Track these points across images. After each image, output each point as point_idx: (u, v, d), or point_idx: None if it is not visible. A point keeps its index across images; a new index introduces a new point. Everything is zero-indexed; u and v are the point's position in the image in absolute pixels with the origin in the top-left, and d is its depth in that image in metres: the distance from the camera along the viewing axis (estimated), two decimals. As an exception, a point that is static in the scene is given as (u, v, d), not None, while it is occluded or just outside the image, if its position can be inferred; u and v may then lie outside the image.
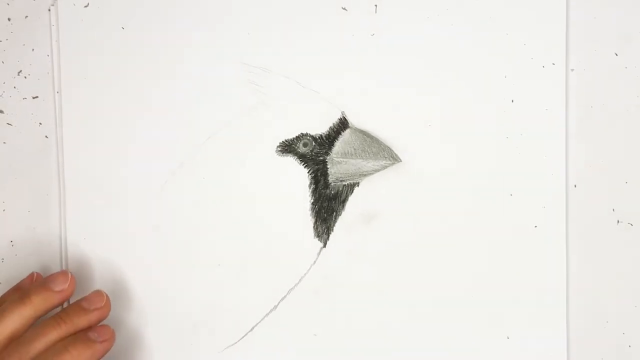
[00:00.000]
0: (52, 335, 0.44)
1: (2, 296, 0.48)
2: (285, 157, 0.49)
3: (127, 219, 0.50)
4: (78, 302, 0.47)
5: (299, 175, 0.49)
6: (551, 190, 0.48)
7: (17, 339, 0.44)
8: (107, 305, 0.47)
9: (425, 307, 0.49)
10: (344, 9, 0.49)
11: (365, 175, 0.49)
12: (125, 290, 0.50)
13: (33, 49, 0.51)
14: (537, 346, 0.48)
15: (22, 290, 0.46)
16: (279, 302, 0.49)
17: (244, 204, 0.50)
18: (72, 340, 0.44)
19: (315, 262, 0.49)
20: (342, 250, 0.49)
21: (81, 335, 0.45)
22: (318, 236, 0.49)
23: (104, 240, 0.50)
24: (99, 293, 0.48)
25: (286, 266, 0.49)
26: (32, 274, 0.49)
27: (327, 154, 0.49)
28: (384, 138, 0.48)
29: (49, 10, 0.51)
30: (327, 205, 0.49)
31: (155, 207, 0.50)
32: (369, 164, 0.48)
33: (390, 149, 0.48)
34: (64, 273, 0.47)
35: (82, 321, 0.46)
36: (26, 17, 0.51)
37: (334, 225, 0.49)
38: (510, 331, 0.48)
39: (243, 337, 0.50)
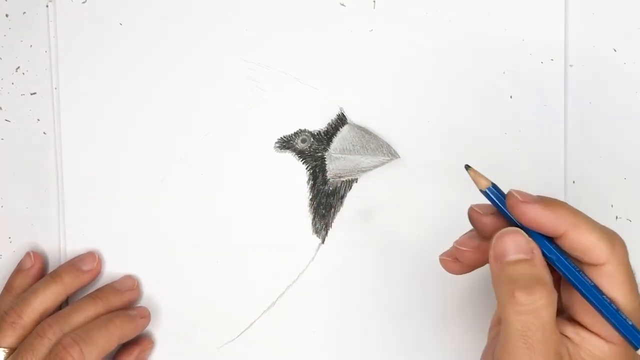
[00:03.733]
0: (90, 310, 0.47)
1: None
2: (284, 153, 0.49)
3: (125, 215, 0.50)
4: (111, 284, 0.49)
5: (297, 172, 0.49)
6: (550, 186, 0.48)
7: (55, 314, 0.46)
8: (138, 288, 0.50)
9: (424, 304, 0.49)
10: (343, 5, 0.49)
11: (363, 171, 0.48)
12: (123, 286, 0.50)
13: (31, 45, 0.51)
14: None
15: (53, 271, 0.49)
16: (278, 299, 0.49)
17: (242, 200, 0.50)
18: (116, 314, 0.47)
19: (313, 258, 0.49)
20: (341, 247, 0.49)
21: (122, 312, 0.48)
22: (316, 232, 0.49)
23: (103, 236, 0.50)
24: (129, 277, 0.50)
25: (284, 263, 0.49)
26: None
27: (325, 150, 0.49)
28: (382, 134, 0.48)
29: (47, 6, 0.51)
30: (325, 201, 0.49)
31: (154, 204, 0.50)
32: (367, 160, 0.48)
33: (388, 145, 0.48)
34: (91, 253, 0.50)
35: (116, 300, 0.48)
36: (24, 13, 0.51)
37: (332, 221, 0.49)
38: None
39: (241, 333, 0.50)
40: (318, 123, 0.49)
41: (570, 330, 0.34)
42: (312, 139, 0.49)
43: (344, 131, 0.49)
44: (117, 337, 0.46)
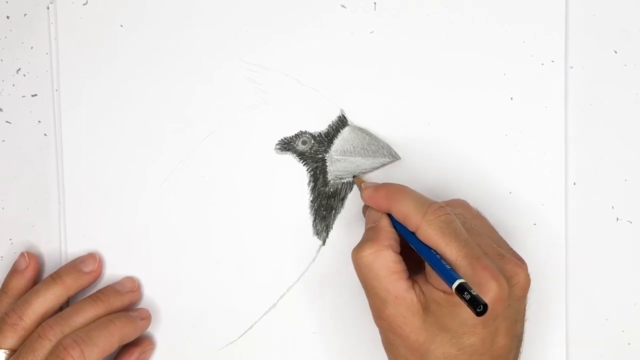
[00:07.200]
0: (90, 312, 0.47)
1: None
2: (284, 155, 0.49)
3: (126, 216, 0.50)
4: (112, 285, 0.49)
5: (298, 173, 0.49)
6: (550, 187, 0.48)
7: (55, 315, 0.46)
8: (139, 290, 0.50)
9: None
10: (343, 6, 0.49)
11: (364, 172, 0.48)
12: (124, 288, 0.50)
13: (32, 47, 0.51)
14: (537, 344, 0.48)
15: (54, 272, 0.49)
16: (278, 300, 0.49)
17: (243, 201, 0.50)
18: (116, 315, 0.47)
19: (314, 260, 0.49)
20: (341, 248, 0.49)
21: (123, 313, 0.48)
22: (317, 234, 0.49)
23: (103, 237, 0.50)
24: (130, 278, 0.50)
25: (285, 264, 0.49)
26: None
27: (326, 151, 0.49)
28: (382, 136, 0.48)
29: (48, 8, 0.51)
30: (326, 203, 0.49)
31: (155, 205, 0.50)
32: (368, 162, 0.48)
33: (389, 146, 0.48)
34: (92, 255, 0.50)
35: (116, 302, 0.48)
36: (25, 15, 0.51)
37: (333, 223, 0.49)
38: (509, 329, 0.48)
39: (242, 335, 0.50)
40: (319, 124, 0.49)
41: (424, 286, 0.41)
42: (312, 141, 0.49)
43: (344, 133, 0.49)
44: (118, 339, 0.46)
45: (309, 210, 0.49)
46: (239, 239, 0.50)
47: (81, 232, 0.50)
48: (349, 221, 0.49)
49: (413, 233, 0.41)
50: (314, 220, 0.49)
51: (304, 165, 0.49)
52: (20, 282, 0.49)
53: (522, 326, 0.43)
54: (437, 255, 0.40)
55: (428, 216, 0.41)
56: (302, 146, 0.49)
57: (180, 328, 0.50)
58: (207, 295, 0.50)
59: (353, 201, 0.49)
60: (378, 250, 0.41)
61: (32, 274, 0.49)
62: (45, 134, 0.51)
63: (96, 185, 0.50)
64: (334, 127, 0.49)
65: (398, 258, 0.42)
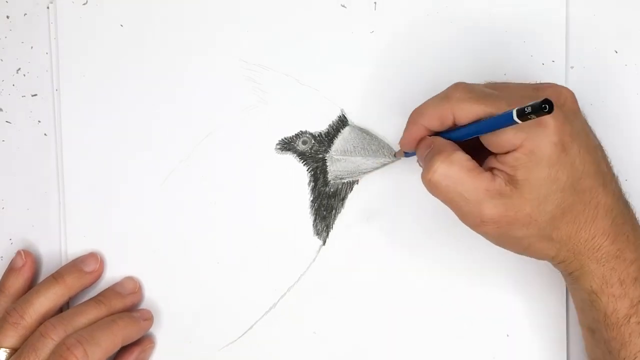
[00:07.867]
0: (92, 313, 0.47)
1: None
2: (285, 155, 0.49)
3: (126, 216, 0.50)
4: (113, 287, 0.49)
5: (298, 173, 0.49)
6: (551, 187, 0.48)
7: (58, 315, 0.46)
8: (140, 291, 0.50)
9: (425, 305, 0.49)
10: (344, 6, 0.49)
11: (364, 172, 0.48)
12: (124, 288, 0.50)
13: (32, 47, 0.51)
14: (537, 344, 0.48)
15: (56, 272, 0.48)
16: (279, 300, 0.49)
17: (243, 201, 0.50)
18: (119, 316, 0.47)
19: (314, 260, 0.49)
20: (342, 248, 0.49)
21: (126, 313, 0.48)
22: (317, 234, 0.49)
23: (103, 237, 0.50)
24: (131, 278, 0.50)
25: (285, 264, 0.49)
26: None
27: (326, 151, 0.49)
28: (383, 135, 0.48)
29: (48, 8, 0.51)
30: (326, 203, 0.49)
31: (155, 205, 0.50)
32: (369, 162, 0.48)
33: (389, 146, 0.48)
34: (93, 255, 0.50)
35: (118, 303, 0.48)
36: (25, 14, 0.51)
37: (333, 223, 0.49)
38: (510, 329, 0.48)
39: (242, 334, 0.50)
40: (319, 124, 0.49)
41: (499, 164, 0.40)
42: (313, 141, 0.49)
43: (345, 132, 0.49)
44: (121, 339, 0.46)
45: (309, 210, 0.49)
46: (239, 238, 0.50)
47: (81, 232, 0.50)
48: (349, 221, 0.49)
49: (458, 128, 0.41)
50: (314, 220, 0.49)
51: (304, 165, 0.49)
52: (17, 281, 0.49)
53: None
54: (485, 121, 0.40)
55: (452, 96, 0.41)
56: (303, 146, 0.49)
57: (180, 328, 0.50)
58: (208, 295, 0.50)
59: (353, 201, 0.49)
60: (448, 157, 0.40)
61: (29, 272, 0.49)
62: (45, 134, 0.51)
63: (96, 185, 0.50)
64: (334, 127, 0.49)
65: (468, 156, 0.41)
